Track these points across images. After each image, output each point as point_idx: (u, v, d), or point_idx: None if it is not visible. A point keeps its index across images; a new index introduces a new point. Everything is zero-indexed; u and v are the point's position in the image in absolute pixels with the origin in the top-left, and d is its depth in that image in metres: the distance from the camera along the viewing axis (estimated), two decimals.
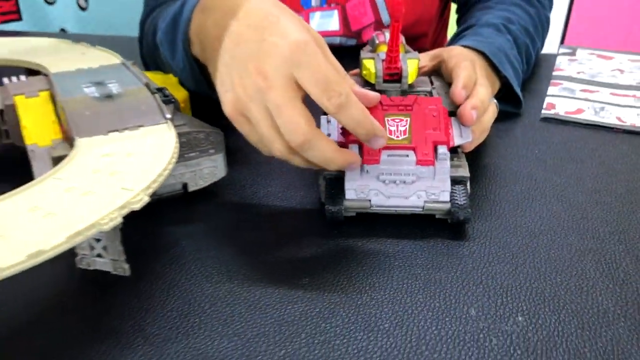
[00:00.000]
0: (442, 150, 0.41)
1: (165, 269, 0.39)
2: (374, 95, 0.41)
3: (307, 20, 0.80)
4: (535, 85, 0.68)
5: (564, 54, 0.76)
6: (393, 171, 0.41)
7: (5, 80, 0.52)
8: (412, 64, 0.46)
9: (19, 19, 1.48)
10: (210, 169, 0.46)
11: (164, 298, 0.37)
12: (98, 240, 0.37)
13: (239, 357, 0.32)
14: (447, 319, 0.35)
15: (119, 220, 0.33)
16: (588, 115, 0.60)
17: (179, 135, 0.43)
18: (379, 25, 0.80)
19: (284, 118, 0.37)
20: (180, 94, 0.50)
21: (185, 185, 0.46)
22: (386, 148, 0.41)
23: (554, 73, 0.70)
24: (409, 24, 0.80)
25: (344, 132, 0.42)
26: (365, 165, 0.41)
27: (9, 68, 0.56)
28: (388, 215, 0.43)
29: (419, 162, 0.41)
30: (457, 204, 0.42)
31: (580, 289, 0.37)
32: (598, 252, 0.41)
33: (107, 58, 0.56)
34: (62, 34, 1.76)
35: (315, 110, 0.38)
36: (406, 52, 0.48)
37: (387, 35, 0.47)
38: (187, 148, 0.44)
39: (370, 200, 0.42)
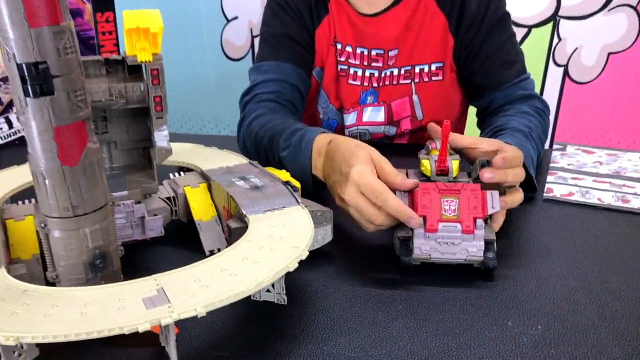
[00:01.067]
0: (480, 222, 0.63)
1: (307, 300, 0.61)
2: (412, 183, 0.64)
3: (362, 113, 1.09)
4: (538, 176, 0.92)
5: (557, 149, 1.01)
6: (446, 237, 0.63)
7: (171, 175, 0.75)
8: (455, 164, 0.68)
9: None
10: (323, 235, 0.68)
11: (312, 318, 0.58)
12: None
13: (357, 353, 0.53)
14: (490, 327, 0.56)
15: (296, 265, 0.54)
16: (577, 197, 0.83)
17: None
18: (413, 119, 1.08)
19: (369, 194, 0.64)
20: (297, 184, 0.73)
21: None
22: (442, 221, 0.63)
23: (551, 165, 0.93)
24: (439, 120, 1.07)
25: (412, 204, 0.65)
26: (428, 233, 0.63)
27: (164, 166, 0.80)
28: (442, 264, 0.65)
29: (463, 232, 0.63)
30: (488, 257, 0.63)
31: (577, 326, 0.59)
32: (586, 289, 0.62)
33: (235, 158, 0.80)
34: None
35: None
36: (450, 154, 0.71)
37: (437, 143, 0.70)
38: None
39: (430, 255, 0.64)
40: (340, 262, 0.68)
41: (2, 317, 0.46)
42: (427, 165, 0.69)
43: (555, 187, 0.85)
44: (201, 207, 0.71)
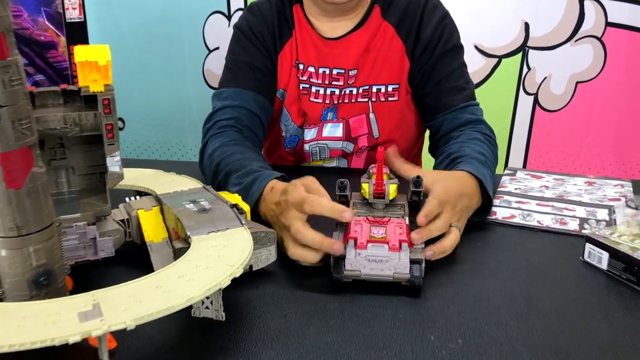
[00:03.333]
0: (405, 245, 0.68)
1: (245, 316, 0.64)
2: (348, 216, 0.69)
3: (321, 129, 1.15)
4: None
5: (507, 174, 1.05)
6: (374, 254, 0.68)
7: (126, 199, 0.79)
8: (392, 187, 0.74)
9: None
10: (267, 255, 0.72)
11: (246, 334, 0.61)
12: (207, 297, 0.62)
13: None
14: (414, 341, 0.59)
15: (228, 282, 0.58)
16: (518, 219, 0.87)
17: (250, 234, 0.69)
18: (370, 136, 1.14)
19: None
20: (245, 207, 0.77)
21: (251, 266, 0.71)
22: (371, 241, 0.68)
23: (498, 189, 0.98)
24: (394, 140, 1.15)
25: (344, 236, 0.71)
26: (358, 250, 0.68)
27: (123, 189, 0.84)
28: (372, 282, 0.69)
29: (390, 249, 0.68)
30: (414, 275, 0.67)
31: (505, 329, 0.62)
32: (510, 306, 0.66)
33: (191, 183, 0.84)
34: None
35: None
36: (390, 178, 0.77)
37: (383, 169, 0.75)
38: (253, 242, 0.70)
39: (360, 271, 0.68)
40: (281, 281, 0.72)
41: None
42: (367, 188, 0.74)
43: (499, 210, 0.89)
44: (153, 229, 0.75)
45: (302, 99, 1.14)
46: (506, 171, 1.06)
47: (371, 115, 1.13)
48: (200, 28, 2.00)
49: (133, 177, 0.85)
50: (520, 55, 1.84)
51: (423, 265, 0.68)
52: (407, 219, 0.73)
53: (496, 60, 1.84)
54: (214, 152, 0.98)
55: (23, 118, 0.54)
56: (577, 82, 1.85)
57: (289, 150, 1.20)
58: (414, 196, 0.76)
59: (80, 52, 0.65)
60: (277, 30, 1.11)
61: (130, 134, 2.11)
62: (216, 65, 2.04)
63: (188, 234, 0.67)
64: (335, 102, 1.13)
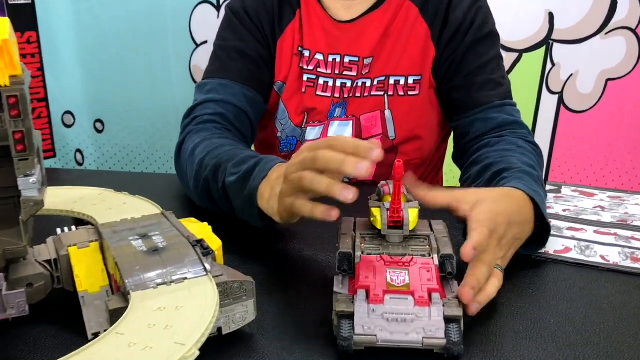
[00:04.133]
0: (436, 296, 0.50)
1: None
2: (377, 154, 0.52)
3: (327, 127, 0.96)
4: None
5: (550, 191, 0.85)
6: (395, 311, 0.49)
7: (58, 230, 0.59)
8: (413, 213, 0.56)
9: (54, 155, 1.59)
10: (242, 313, 0.52)
11: None
12: None
13: None
14: None
15: None
16: (575, 254, 0.67)
17: (217, 285, 0.49)
18: (385, 138, 0.94)
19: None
20: (214, 244, 0.57)
21: (220, 329, 0.51)
22: (389, 292, 0.50)
23: None
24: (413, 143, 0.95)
25: (354, 284, 0.52)
26: (372, 305, 0.49)
27: (58, 217, 0.64)
28: (393, 349, 0.49)
29: (417, 304, 0.49)
30: (452, 340, 0.48)
31: None
32: None
33: (147, 207, 0.64)
34: (98, 171, 1.87)
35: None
36: (408, 201, 0.58)
37: (392, 186, 0.55)
38: (223, 296, 0.50)
39: (376, 335, 0.48)
40: (265, 349, 0.52)
41: None
42: (378, 215, 0.56)
43: (549, 241, 0.69)
44: (88, 274, 0.55)
45: (306, 92, 0.95)
46: (548, 187, 0.86)
47: (387, 112, 0.93)
48: (186, 20, 1.81)
49: (72, 200, 0.65)
50: (543, 49, 1.64)
51: (462, 325, 0.49)
52: (436, 257, 0.54)
53: (516, 55, 1.65)
54: (195, 148, 0.79)
55: None
56: (608, 80, 1.65)
57: (286, 154, 0.99)
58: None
59: None
60: (277, 11, 0.93)
61: (110, 137, 1.91)
62: (204, 61, 1.83)
63: (127, 286, 0.48)
64: (346, 95, 0.94)
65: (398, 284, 0.51)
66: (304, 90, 0.95)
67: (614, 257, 0.66)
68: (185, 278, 0.49)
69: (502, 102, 0.86)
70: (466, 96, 0.88)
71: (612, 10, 1.58)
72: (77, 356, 0.39)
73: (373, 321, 0.49)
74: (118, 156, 1.95)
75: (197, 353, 0.40)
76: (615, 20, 1.58)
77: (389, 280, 0.51)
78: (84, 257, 0.56)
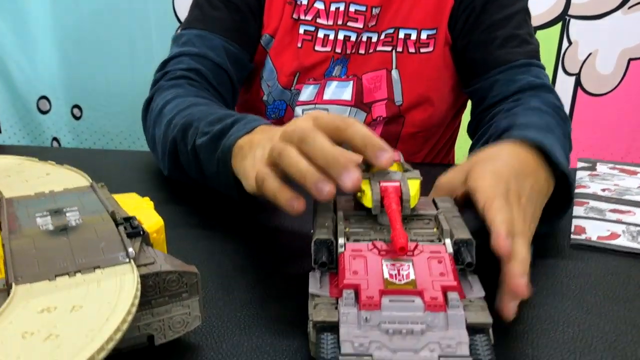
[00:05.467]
0: (454, 296, 0.34)
1: None
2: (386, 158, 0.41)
3: (324, 87, 0.83)
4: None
5: (583, 168, 0.71)
6: (398, 319, 0.34)
7: None
8: (414, 186, 0.42)
9: None
10: (183, 316, 0.38)
11: None
12: None
13: None
14: None
15: None
16: (624, 240, 0.52)
17: (145, 277, 0.35)
18: (390, 103, 0.81)
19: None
20: (153, 222, 0.42)
21: (151, 338, 0.37)
22: (388, 292, 0.35)
23: (577, 191, 0.63)
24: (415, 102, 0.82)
25: (337, 282, 0.37)
26: (364, 312, 0.34)
27: None
28: None
29: (427, 308, 0.34)
30: (480, 358, 0.33)
31: None
32: None
33: (74, 179, 0.50)
34: (52, 148, 1.75)
35: None
36: (405, 170, 0.45)
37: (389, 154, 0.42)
38: (154, 292, 0.36)
39: (372, 356, 0.33)
40: None
41: None
42: (367, 189, 0.42)
43: (588, 225, 0.55)
44: None
45: (303, 47, 0.82)
46: (580, 164, 0.72)
47: (394, 72, 0.80)
48: None
49: None
50: (559, 26, 1.53)
51: (491, 335, 0.34)
52: (449, 243, 0.39)
53: None
54: (165, 106, 0.68)
55: None
56: (630, 60, 1.53)
57: (274, 121, 0.86)
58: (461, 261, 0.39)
59: None
60: None
61: (89, 123, 1.79)
62: None
63: (9, 278, 0.33)
64: (349, 51, 0.81)
65: (400, 280, 0.36)
66: (299, 45, 0.81)
67: None
68: (98, 267, 0.35)
69: (528, 62, 0.72)
70: (486, 53, 0.75)
71: None
72: None
73: (367, 334, 0.34)
74: (97, 144, 1.83)
75: None
76: None
77: (386, 276, 0.36)
78: None
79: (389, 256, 0.38)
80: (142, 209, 0.45)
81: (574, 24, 1.52)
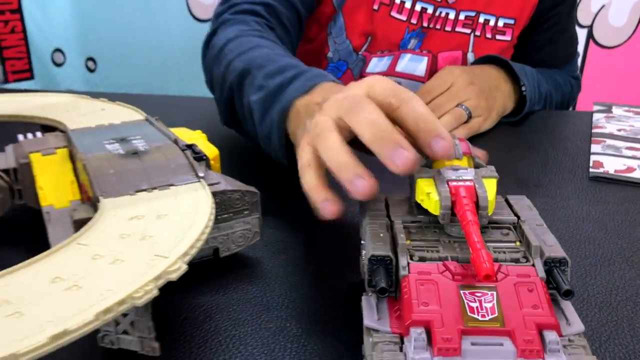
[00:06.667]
0: (552, 337, 0.27)
1: (198, 347, 0.34)
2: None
3: (397, 60, 0.82)
4: (575, 142, 0.65)
5: (599, 111, 0.74)
6: None
7: (20, 137, 0.49)
8: (491, 187, 0.34)
9: (31, 77, 1.48)
10: (244, 232, 0.42)
11: None
12: (125, 314, 0.32)
13: None
14: None
15: (155, 293, 0.28)
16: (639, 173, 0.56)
17: (212, 195, 0.39)
18: None
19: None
20: (210, 151, 0.46)
21: (216, 250, 0.41)
22: (469, 333, 0.27)
23: (594, 131, 0.67)
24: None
25: (398, 311, 0.30)
26: (439, 359, 0.27)
27: (23, 124, 0.53)
28: None
29: (521, 354, 0.27)
30: None
31: None
32: None
33: (128, 114, 0.53)
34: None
35: None
36: (477, 166, 0.36)
37: (456, 145, 0.36)
38: (219, 209, 0.40)
39: None
40: (272, 280, 0.41)
41: None
42: (432, 190, 0.33)
43: (606, 160, 0.59)
44: (54, 186, 0.45)
45: (379, 11, 0.80)
46: (596, 107, 0.75)
47: (469, 55, 0.82)
48: None
49: (39, 106, 0.55)
50: None
51: None
52: (538, 263, 0.31)
53: None
54: (227, 43, 0.61)
55: None
56: None
57: None
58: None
59: None
60: None
61: (104, 76, 1.80)
62: None
63: (96, 193, 0.37)
64: (425, 24, 0.80)
65: (483, 316, 0.28)
66: (376, 8, 0.79)
67: None
68: (172, 184, 0.39)
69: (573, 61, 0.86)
70: (554, 51, 0.85)
71: None
72: (21, 273, 0.29)
73: None
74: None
75: (184, 268, 0.30)
76: None
77: (466, 309, 0.28)
78: (49, 166, 0.45)
79: (466, 282, 0.30)
80: (197, 140, 0.49)
81: None
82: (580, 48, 1.59)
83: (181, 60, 1.79)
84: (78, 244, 0.32)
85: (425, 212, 0.34)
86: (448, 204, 0.32)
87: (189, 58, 1.78)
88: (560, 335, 0.27)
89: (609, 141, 0.63)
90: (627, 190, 0.54)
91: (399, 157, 0.32)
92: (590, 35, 1.57)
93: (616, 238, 0.46)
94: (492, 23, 0.80)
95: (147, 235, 0.33)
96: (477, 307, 0.28)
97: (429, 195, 0.33)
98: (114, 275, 0.29)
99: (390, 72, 0.83)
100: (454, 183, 0.33)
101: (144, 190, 0.38)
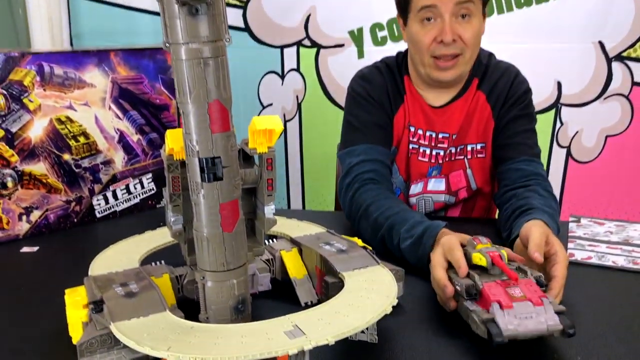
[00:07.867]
0: (545, 299, 0.71)
1: (392, 339, 0.76)
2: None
3: (427, 183, 1.30)
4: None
5: (573, 221, 1.19)
6: (522, 312, 0.70)
7: (265, 242, 0.92)
8: (505, 252, 0.80)
9: None
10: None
11: (397, 354, 0.74)
12: None
13: None
14: None
15: (390, 309, 0.70)
16: (594, 260, 1.00)
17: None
18: (468, 188, 1.30)
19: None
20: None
21: None
22: (513, 300, 0.71)
23: (569, 234, 1.11)
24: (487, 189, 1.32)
25: (484, 303, 0.75)
26: (505, 310, 0.71)
27: None
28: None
29: (535, 304, 0.71)
30: (566, 324, 0.70)
31: None
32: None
33: (315, 228, 0.97)
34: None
35: None
36: (492, 245, 0.82)
37: (482, 239, 0.83)
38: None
39: (517, 330, 0.69)
40: (409, 314, 0.84)
41: (183, 345, 0.62)
42: (481, 256, 0.79)
43: (576, 252, 1.03)
44: (295, 267, 0.88)
45: (410, 158, 1.28)
46: (571, 218, 1.20)
47: (468, 171, 1.28)
48: (255, 86, 2.13)
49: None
50: (553, 111, 1.97)
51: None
52: (530, 276, 0.76)
53: None
54: (368, 207, 1.09)
55: (235, 176, 0.69)
56: (607, 136, 1.98)
57: None
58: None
59: (258, 122, 0.78)
60: (391, 96, 1.25)
61: None
62: None
63: (338, 270, 0.80)
64: (440, 162, 1.28)
65: (517, 295, 0.72)
66: (409, 156, 1.28)
67: (621, 262, 0.99)
68: (367, 266, 0.82)
69: (530, 159, 1.18)
70: (505, 151, 1.21)
71: (608, 81, 1.91)
72: (335, 301, 0.72)
73: (510, 320, 0.70)
74: None
75: (396, 301, 0.72)
76: (612, 88, 1.91)
77: (511, 294, 0.72)
78: (290, 257, 0.89)
79: (507, 284, 0.74)
80: (359, 242, 0.92)
81: (565, 110, 1.95)
82: (561, 163, 2.02)
83: None
84: (347, 291, 0.74)
85: (473, 266, 0.80)
86: (490, 261, 0.77)
87: None
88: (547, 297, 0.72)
89: (578, 241, 1.08)
90: (584, 270, 0.98)
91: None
92: (568, 154, 2.00)
93: (576, 293, 0.89)
94: (471, 148, 1.26)
95: (374, 288, 0.75)
96: (514, 293, 0.73)
97: (482, 259, 0.78)
98: (371, 303, 0.71)
99: (424, 191, 1.30)
100: (491, 253, 0.79)
101: (357, 268, 0.81)
